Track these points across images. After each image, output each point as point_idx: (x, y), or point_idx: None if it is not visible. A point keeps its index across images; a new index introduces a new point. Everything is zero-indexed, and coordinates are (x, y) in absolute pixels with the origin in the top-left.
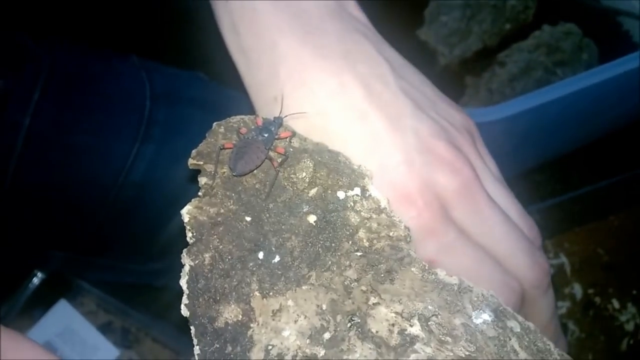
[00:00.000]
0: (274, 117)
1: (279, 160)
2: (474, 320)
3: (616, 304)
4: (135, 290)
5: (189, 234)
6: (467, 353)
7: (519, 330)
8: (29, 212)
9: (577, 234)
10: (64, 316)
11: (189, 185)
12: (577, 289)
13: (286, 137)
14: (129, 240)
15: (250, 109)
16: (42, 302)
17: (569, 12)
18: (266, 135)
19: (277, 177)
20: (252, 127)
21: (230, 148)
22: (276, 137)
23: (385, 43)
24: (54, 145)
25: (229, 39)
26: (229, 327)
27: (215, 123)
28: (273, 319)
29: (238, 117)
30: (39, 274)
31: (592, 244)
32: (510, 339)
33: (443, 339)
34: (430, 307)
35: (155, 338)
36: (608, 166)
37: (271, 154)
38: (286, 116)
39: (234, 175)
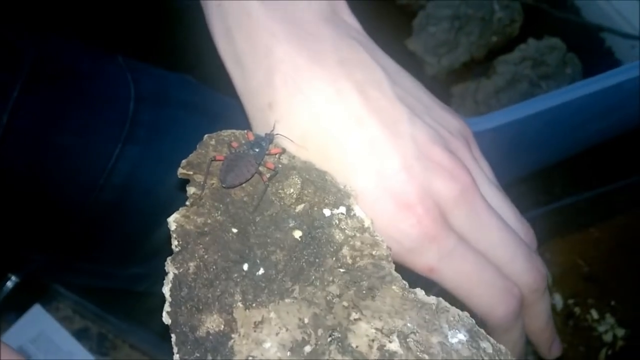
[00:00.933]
0: (266, 133)
1: (269, 175)
2: (450, 340)
3: (595, 314)
4: (114, 296)
5: (174, 242)
6: None
7: (491, 351)
8: (3, 212)
9: (558, 244)
10: (38, 321)
11: (174, 188)
12: (558, 300)
13: (276, 154)
14: (109, 244)
15: (240, 114)
16: (15, 306)
17: (554, 27)
18: (257, 150)
19: (266, 191)
20: (243, 141)
21: (221, 160)
22: (266, 152)
23: (378, 50)
24: (33, 144)
25: (221, 44)
26: (210, 337)
27: (206, 135)
28: (255, 330)
29: (229, 131)
30: (13, 278)
31: (572, 254)
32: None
33: (420, 356)
34: (409, 325)
35: (133, 345)
36: (589, 178)
37: (261, 168)
38: (277, 134)
39: (223, 187)
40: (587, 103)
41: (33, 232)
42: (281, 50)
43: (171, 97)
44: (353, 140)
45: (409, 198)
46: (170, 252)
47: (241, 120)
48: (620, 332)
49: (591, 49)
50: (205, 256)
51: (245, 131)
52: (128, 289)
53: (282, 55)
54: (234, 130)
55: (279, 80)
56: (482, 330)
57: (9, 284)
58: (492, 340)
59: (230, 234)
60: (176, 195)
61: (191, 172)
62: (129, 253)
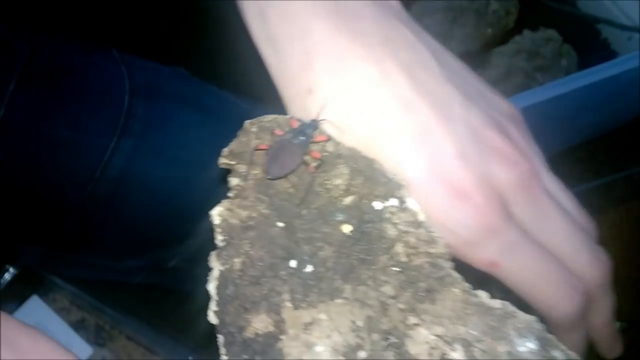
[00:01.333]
0: (310, 120)
1: (315, 164)
2: (518, 349)
3: None
4: (110, 287)
5: (219, 237)
6: None
7: (563, 359)
8: (0, 205)
9: None
10: (35, 312)
11: (169, 181)
12: None
13: (321, 141)
14: (104, 237)
15: (236, 107)
16: (13, 298)
17: (550, 18)
18: (302, 138)
19: (313, 183)
20: (287, 128)
21: (265, 149)
22: (311, 140)
23: (422, 30)
24: (29, 137)
25: (254, 26)
26: (259, 338)
27: (247, 122)
28: (305, 332)
29: (271, 116)
30: (11, 269)
31: None
32: None
33: None
34: (473, 332)
35: (130, 336)
36: (583, 172)
37: (306, 158)
38: (323, 119)
39: (268, 179)
40: (583, 95)
41: (28, 225)
42: (321, 29)
43: (165, 91)
44: (402, 124)
45: (465, 186)
46: (163, 242)
47: (238, 112)
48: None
49: (587, 40)
50: (251, 252)
51: (289, 116)
52: (124, 281)
53: (322, 35)
54: (276, 116)
55: (318, 62)
56: (553, 337)
57: (7, 275)
58: (562, 346)
59: (276, 228)
60: (168, 184)
61: (233, 162)
62: (124, 246)
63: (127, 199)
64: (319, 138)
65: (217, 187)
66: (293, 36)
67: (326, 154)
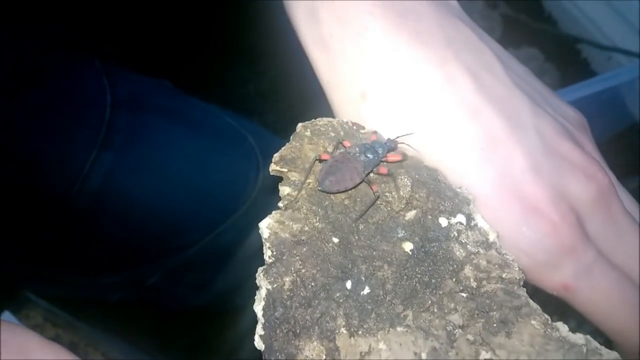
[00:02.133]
0: (388, 139)
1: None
2: None
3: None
4: (86, 304)
5: (267, 252)
6: None
7: None
8: None
9: None
10: None
11: (151, 195)
12: None
13: (395, 161)
14: (82, 251)
15: (218, 121)
16: None
17: (532, 38)
18: (370, 156)
19: (375, 203)
20: (363, 142)
21: (326, 160)
22: (383, 159)
23: (482, 30)
24: (3, 150)
25: (304, 28)
26: None
27: (300, 125)
28: None
29: (325, 120)
30: None
31: None
32: None
33: None
34: None
35: (105, 353)
36: None
37: (372, 176)
38: (399, 137)
39: (319, 190)
40: None
41: (2, 239)
42: (378, 29)
43: (149, 103)
44: (469, 133)
45: (539, 202)
46: (145, 260)
47: (223, 126)
48: None
49: (568, 59)
50: (303, 270)
51: (345, 120)
52: (101, 298)
53: (379, 35)
54: (330, 119)
55: (374, 63)
56: None
57: None
58: None
59: (331, 244)
60: (151, 200)
61: (285, 169)
62: (102, 262)
63: (106, 213)
64: (391, 157)
65: (200, 203)
66: (347, 36)
67: (385, 162)
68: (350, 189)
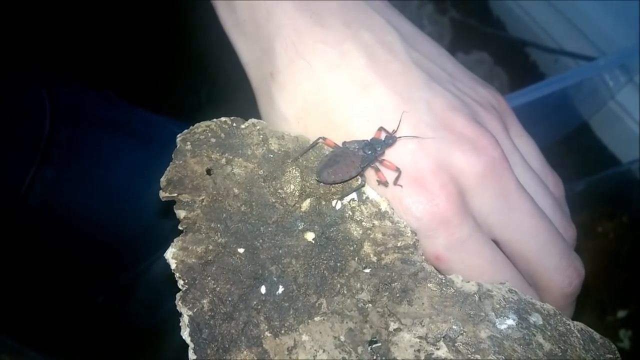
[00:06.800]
0: (386, 136)
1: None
2: (499, 327)
3: None
4: (33, 328)
5: (179, 282)
6: None
7: (541, 322)
8: None
9: None
10: None
11: (96, 211)
12: None
13: (390, 169)
14: (25, 273)
15: (169, 130)
16: None
17: (481, 42)
18: (369, 152)
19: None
20: (363, 139)
21: (330, 146)
22: (380, 158)
23: (395, 12)
24: None
25: (223, 14)
26: None
27: (178, 138)
28: (290, 357)
29: (203, 125)
30: None
31: None
32: (534, 335)
33: (472, 357)
34: (455, 327)
35: None
36: None
37: (368, 173)
38: (400, 137)
39: (317, 181)
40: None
41: None
42: (282, 13)
43: (92, 115)
44: (358, 107)
45: (422, 173)
46: (92, 279)
47: (169, 136)
48: None
49: (517, 63)
50: (217, 288)
51: (224, 119)
52: (46, 320)
53: (282, 18)
54: (209, 123)
55: (279, 46)
56: (528, 298)
57: None
58: (538, 304)
59: (237, 256)
60: (100, 219)
61: (175, 194)
62: (46, 282)
63: (49, 231)
64: (388, 164)
65: (149, 217)
66: (258, 21)
67: (271, 155)
68: (346, 180)
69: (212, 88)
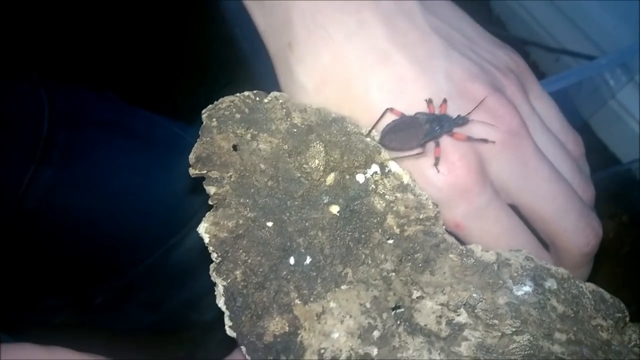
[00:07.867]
0: (458, 115)
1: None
2: (516, 293)
3: None
4: (27, 327)
5: (213, 255)
6: (513, 329)
7: (555, 287)
8: None
9: None
10: None
11: (95, 212)
12: None
13: (459, 138)
14: (24, 273)
15: (171, 130)
16: None
17: None
18: (437, 128)
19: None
20: (433, 113)
21: (397, 115)
22: (447, 132)
23: None
24: None
25: None
26: (278, 339)
27: (204, 114)
28: (319, 323)
29: (227, 100)
30: None
31: None
32: (549, 299)
33: (490, 322)
34: (474, 295)
35: None
36: None
37: (435, 142)
38: (472, 119)
39: (379, 143)
40: None
41: None
42: None
43: (91, 116)
44: (378, 78)
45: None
46: (90, 280)
47: (169, 137)
48: None
49: None
50: (249, 260)
51: (251, 93)
52: (44, 320)
53: None
54: (232, 98)
55: (297, 16)
56: (543, 264)
57: None
58: (553, 269)
59: (266, 229)
60: (94, 217)
61: (205, 170)
62: (44, 283)
63: (47, 232)
64: (457, 135)
65: (148, 218)
66: None
67: (294, 130)
68: (405, 150)
69: (212, 88)
